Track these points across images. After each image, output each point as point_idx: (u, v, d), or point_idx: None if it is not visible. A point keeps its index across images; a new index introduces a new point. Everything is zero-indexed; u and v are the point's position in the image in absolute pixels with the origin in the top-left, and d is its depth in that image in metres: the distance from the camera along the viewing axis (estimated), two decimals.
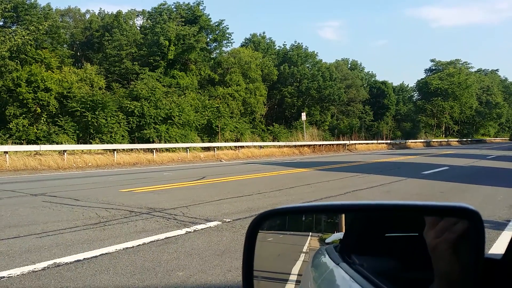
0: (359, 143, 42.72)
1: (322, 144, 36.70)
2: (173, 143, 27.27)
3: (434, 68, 72.27)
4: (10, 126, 25.03)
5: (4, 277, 3.41)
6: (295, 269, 1.46)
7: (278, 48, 62.56)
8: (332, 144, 38.02)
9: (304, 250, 1.51)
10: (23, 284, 3.25)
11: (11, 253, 4.15)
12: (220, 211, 6.43)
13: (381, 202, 1.09)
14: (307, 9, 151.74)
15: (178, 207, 6.72)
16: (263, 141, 35.70)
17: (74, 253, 4.10)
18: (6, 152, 17.28)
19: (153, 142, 26.64)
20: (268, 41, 62.49)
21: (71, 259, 3.89)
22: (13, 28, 33.83)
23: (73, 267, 3.68)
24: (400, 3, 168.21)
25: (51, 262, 3.80)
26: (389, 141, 48.95)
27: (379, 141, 47.25)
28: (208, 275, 3.49)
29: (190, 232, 5.05)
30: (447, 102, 62.55)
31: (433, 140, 57.00)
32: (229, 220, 5.74)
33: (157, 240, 4.62)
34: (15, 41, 28.83)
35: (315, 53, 61.51)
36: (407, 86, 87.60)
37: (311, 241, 1.52)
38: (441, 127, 64.93)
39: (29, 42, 31.29)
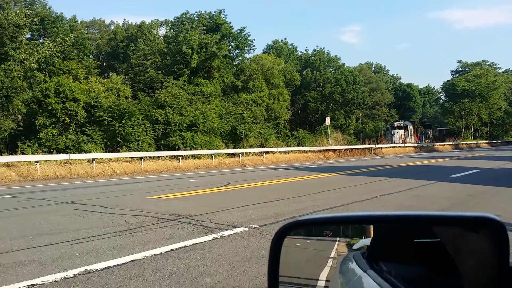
0: (386, 147, 42.09)
1: (348, 149, 36.34)
2: (198, 149, 27.53)
3: (460, 69, 70.77)
4: (40, 136, 25.73)
5: (37, 284, 3.49)
6: (323, 275, 1.46)
7: (300, 53, 62.56)
8: (358, 148, 37.60)
9: (332, 255, 1.51)
10: None
11: (44, 260, 4.24)
12: (246, 217, 6.45)
13: (405, 213, 1.08)
14: (328, 14, 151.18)
15: (204, 214, 6.78)
16: (288, 146, 35.59)
17: (104, 260, 4.17)
18: (36, 162, 17.78)
19: (178, 149, 26.94)
20: (290, 46, 62.55)
21: (101, 266, 3.96)
22: (40, 40, 34.89)
23: (104, 274, 3.75)
24: (422, 7, 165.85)
25: (82, 269, 3.87)
26: (416, 144, 48.05)
27: (406, 144, 46.42)
28: (236, 281, 3.51)
29: (217, 238, 5.08)
30: (474, 104, 61.06)
31: (462, 142, 55.60)
32: (255, 226, 5.75)
33: (184, 247, 4.67)
34: (42, 53, 29.64)
35: (338, 57, 61.19)
36: (433, 88, 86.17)
37: (338, 247, 1.51)
38: (470, 129, 63.36)
39: (57, 53, 32.17)
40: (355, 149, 37.18)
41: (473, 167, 16.73)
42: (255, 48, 73.90)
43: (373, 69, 75.46)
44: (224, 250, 4.53)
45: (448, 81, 68.12)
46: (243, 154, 27.69)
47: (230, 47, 49.79)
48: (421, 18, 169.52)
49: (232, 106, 39.26)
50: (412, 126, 52.50)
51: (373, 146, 39.76)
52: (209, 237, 5.11)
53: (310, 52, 61.02)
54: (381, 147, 40.92)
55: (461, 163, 19.92)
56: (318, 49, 60.33)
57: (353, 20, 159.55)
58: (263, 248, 4.55)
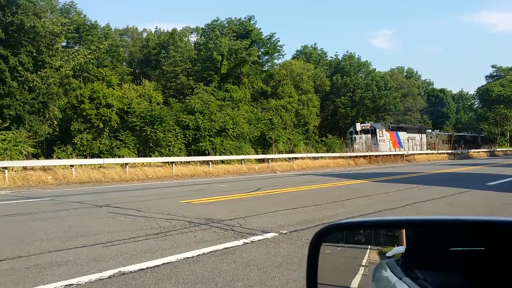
0: (418, 153, 41.27)
1: (379, 155, 35.78)
2: (227, 155, 27.71)
3: (495, 74, 68.72)
4: (75, 141, 26.46)
5: (73, 284, 3.57)
6: (355, 283, 1.44)
7: (330, 58, 62.22)
8: (389, 155, 36.97)
9: (363, 263, 1.49)
10: None
11: (79, 261, 4.35)
12: (276, 223, 6.44)
13: (457, 217, 1.06)
14: (358, 19, 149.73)
15: (235, 218, 6.81)
16: (317, 152, 35.29)
17: (137, 262, 4.25)
18: (72, 166, 18.31)
19: (208, 154, 27.18)
20: (320, 52, 62.33)
21: (135, 268, 4.02)
22: (75, 48, 35.95)
23: (137, 275, 3.81)
24: (455, 10, 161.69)
25: (116, 270, 3.95)
26: (450, 151, 46.76)
27: (440, 151, 45.27)
28: (267, 286, 3.51)
29: (248, 243, 5.10)
30: (510, 110, 59.09)
31: (498, 149, 53.83)
32: (286, 232, 5.74)
33: (216, 251, 4.70)
34: (78, 60, 30.52)
35: (368, 62, 60.59)
36: (467, 93, 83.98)
37: (370, 255, 1.50)
38: (506, 135, 61.35)
39: (91, 61, 33.10)
40: (387, 155, 36.59)
41: (510, 175, 16.18)
42: (285, 54, 74.14)
43: (404, 74, 74.26)
44: (255, 255, 4.54)
45: (482, 86, 66.26)
46: (272, 159, 27.69)
47: (260, 53, 50.03)
48: (454, 21, 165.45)
49: (261, 112, 39.36)
50: (383, 130, 41.53)
51: (405, 152, 39.07)
52: (240, 242, 5.13)
53: (340, 57, 60.62)
54: (414, 154, 40.19)
55: (497, 171, 19.30)
56: (348, 54, 59.88)
57: (384, 24, 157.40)
58: (294, 254, 4.54)
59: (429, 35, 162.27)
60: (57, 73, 28.31)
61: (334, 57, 61.56)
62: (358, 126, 41.59)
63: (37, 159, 22.11)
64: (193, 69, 44.50)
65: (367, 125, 41.62)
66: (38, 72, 27.35)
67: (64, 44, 35.18)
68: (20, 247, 5.04)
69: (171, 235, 5.63)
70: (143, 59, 49.22)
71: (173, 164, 21.69)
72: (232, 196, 10.92)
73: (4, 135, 22.48)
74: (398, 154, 37.77)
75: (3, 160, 19.58)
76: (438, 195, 9.93)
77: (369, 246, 1.50)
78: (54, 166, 18.48)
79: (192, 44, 51.09)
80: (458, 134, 59.65)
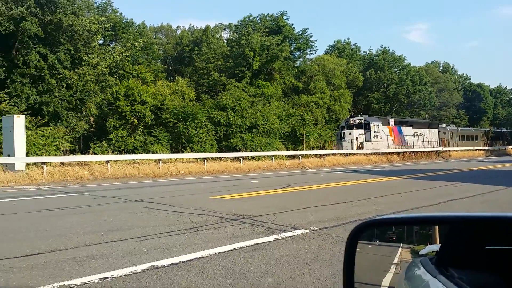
0: (453, 150, 40.16)
1: (412, 151, 35.03)
2: (258, 151, 27.78)
3: None
4: (111, 137, 27.11)
5: (108, 277, 3.66)
6: (386, 281, 1.44)
7: (363, 53, 61.30)
8: (423, 151, 36.14)
9: (396, 261, 1.48)
10: (125, 285, 3.45)
11: (114, 255, 4.46)
12: (306, 219, 6.43)
13: (490, 214, 1.04)
14: (392, 13, 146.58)
15: (265, 215, 6.84)
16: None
17: (170, 256, 4.33)
18: (107, 161, 18.79)
19: (239, 150, 27.34)
20: (353, 47, 61.47)
21: (168, 262, 4.10)
22: (111, 46, 36.78)
23: (170, 269, 3.88)
24: (492, 3, 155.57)
25: (150, 264, 4.03)
26: (487, 148, 45.20)
27: (476, 148, 43.85)
28: (297, 283, 3.51)
29: (278, 239, 5.12)
30: None
31: None
32: (316, 228, 5.72)
33: (246, 246, 4.74)
34: (114, 58, 31.21)
35: (403, 57, 59.34)
36: (505, 88, 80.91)
37: (402, 253, 1.48)
38: None
39: (126, 58, 33.79)
40: (421, 152, 35.80)
41: None
42: (317, 49, 73.54)
43: (440, 68, 72.24)
44: (285, 251, 4.54)
45: None
46: (303, 156, 27.57)
47: (292, 48, 49.81)
48: (492, 14, 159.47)
49: (292, 108, 39.21)
50: (379, 124, 35.86)
51: (440, 149, 38.09)
52: (270, 238, 5.15)
53: (373, 51, 59.62)
54: (449, 150, 39.15)
55: None
56: (382, 48, 58.80)
57: (419, 18, 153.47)
58: (325, 251, 4.52)
59: (465, 29, 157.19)
60: (94, 70, 29.05)
61: (368, 51, 60.60)
62: (352, 120, 36.53)
63: (74, 154, 22.82)
64: (225, 65, 44.76)
65: (360, 118, 36.35)
66: (76, 70, 28.14)
67: (100, 42, 36.05)
68: (58, 240, 5.22)
69: (203, 230, 5.71)
70: (177, 56, 49.86)
71: (205, 160, 21.95)
72: (263, 192, 10.96)
73: (43, 131, 23.29)
74: (432, 151, 36.86)
75: (41, 155, 20.32)
76: (473, 193, 9.66)
77: (401, 244, 1.49)
78: (91, 161, 19.02)
79: (225, 41, 51.37)
80: (496, 130, 57.25)
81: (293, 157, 27.76)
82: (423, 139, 40.19)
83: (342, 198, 9.10)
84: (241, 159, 23.69)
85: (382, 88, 54.82)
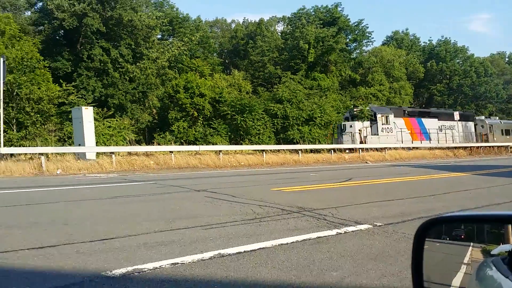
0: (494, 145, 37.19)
1: (480, 146, 33.26)
2: (316, 144, 27.59)
3: None
4: (173, 128, 28.04)
5: (178, 263, 3.80)
6: (456, 281, 1.41)
7: (423, 44, 59.08)
8: (493, 146, 34.19)
9: (466, 261, 1.44)
10: (194, 271, 3.57)
11: (182, 242, 4.62)
12: (369, 214, 6.33)
13: None
14: (453, 2, 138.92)
15: (326, 208, 6.80)
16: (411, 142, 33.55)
17: (235, 245, 4.42)
18: (171, 152, 19.46)
19: (297, 143, 27.30)
20: (412, 37, 59.42)
21: (233, 251, 4.19)
22: (169, 40, 37.88)
23: (235, 258, 3.97)
24: None
25: (216, 252, 4.14)
26: None
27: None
28: (363, 278, 3.49)
29: (341, 233, 5.08)
30: None
31: None
32: (380, 224, 5.62)
33: (309, 239, 4.75)
34: (172, 52, 32.15)
35: (466, 47, 56.39)
36: None
37: (472, 252, 1.44)
38: None
39: (184, 52, 34.71)
40: (490, 147, 33.93)
41: None
42: (374, 40, 71.56)
43: (506, 59, 67.95)
44: (349, 246, 4.51)
45: None
46: (363, 149, 27.03)
47: (348, 40, 48.89)
48: None
49: (350, 100, 38.53)
50: (390, 115, 31.06)
51: (511, 144, 35.75)
52: (333, 232, 5.13)
53: (434, 42, 57.15)
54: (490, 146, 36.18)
55: None
56: (443, 39, 56.23)
57: (481, 8, 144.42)
58: (390, 247, 4.45)
59: None
60: (154, 64, 30.13)
61: (428, 42, 58.26)
62: (356, 110, 31.27)
63: (139, 145, 23.83)
64: (280, 58, 44.74)
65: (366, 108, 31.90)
66: (137, 64, 29.29)
67: (159, 36, 37.30)
68: (130, 226, 5.49)
69: (265, 221, 5.79)
70: (232, 49, 50.47)
71: (264, 152, 22.13)
72: (323, 185, 10.90)
73: (109, 122, 24.52)
74: (502, 146, 34.76)
75: (109, 145, 21.41)
76: None
77: (471, 243, 1.46)
78: (156, 152, 19.79)
79: (279, 34, 51.33)
80: None
81: (353, 150, 27.29)
82: (453, 133, 35.35)
83: (407, 193, 8.86)
84: (300, 151, 23.63)
85: (444, 80, 52.50)
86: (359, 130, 29.63)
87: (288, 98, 30.53)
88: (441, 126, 34.35)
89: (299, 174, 15.05)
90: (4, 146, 17.72)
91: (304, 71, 41.79)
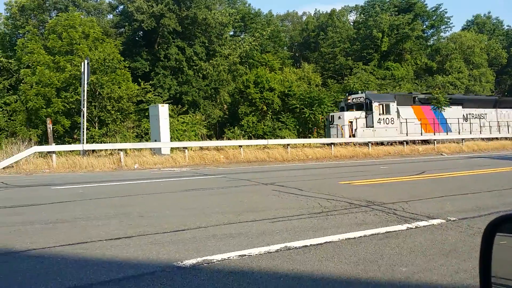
0: None
1: None
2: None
3: None
4: (242, 123, 28.57)
5: (245, 255, 3.91)
6: None
7: (506, 28, 54.75)
8: None
9: None
10: (260, 263, 3.65)
11: (250, 234, 4.74)
12: (442, 209, 6.06)
13: None
14: None
15: (397, 202, 6.62)
16: (490, 132, 30.91)
17: (301, 239, 4.45)
18: (240, 146, 19.86)
19: None
20: (495, 21, 55.42)
21: (299, 244, 4.23)
22: (241, 36, 38.47)
23: (302, 251, 4.00)
24: None
25: (282, 245, 4.19)
26: None
27: None
28: (434, 274, 3.38)
29: (411, 228, 4.93)
30: None
31: None
32: (454, 219, 5.37)
33: (377, 234, 4.67)
34: (243, 47, 32.63)
35: None
36: None
37: None
38: None
39: (255, 47, 35.08)
40: None
41: None
42: (453, 26, 67.32)
43: None
44: (419, 241, 4.37)
45: None
46: (438, 141, 25.76)
47: (424, 26, 46.67)
48: None
49: (426, 90, 36.84)
50: (388, 104, 26.47)
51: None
52: (403, 227, 4.99)
53: None
54: None
55: None
56: None
57: None
58: (464, 243, 4.25)
59: None
60: (226, 60, 30.78)
61: None
62: (350, 99, 27.02)
63: (210, 140, 24.57)
64: (351, 48, 43.85)
65: (360, 96, 26.85)
66: (210, 61, 30.10)
67: (231, 33, 37.98)
68: (200, 218, 5.73)
69: (332, 215, 5.76)
70: (303, 42, 50.17)
71: (332, 145, 21.85)
72: (393, 178, 10.58)
73: (183, 119, 25.54)
74: None
75: (183, 141, 22.30)
76: None
77: None
78: (225, 146, 20.30)
79: (351, 24, 50.25)
80: None
81: (427, 142, 26.09)
82: (483, 122, 30.39)
83: (484, 186, 8.35)
84: (370, 144, 23.03)
85: None
86: (349, 121, 25.55)
87: (359, 89, 29.85)
88: (467, 114, 29.90)
89: (369, 167, 14.69)
90: (87, 142, 19.12)
91: (376, 61, 40.69)
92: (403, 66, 41.00)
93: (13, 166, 15.85)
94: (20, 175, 14.32)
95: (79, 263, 3.75)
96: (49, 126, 19.21)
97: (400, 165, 15.74)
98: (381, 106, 26.09)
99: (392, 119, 26.29)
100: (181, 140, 22.77)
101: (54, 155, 16.42)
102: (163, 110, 19.93)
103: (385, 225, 5.07)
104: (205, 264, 3.63)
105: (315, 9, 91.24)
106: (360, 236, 4.55)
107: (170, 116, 22.35)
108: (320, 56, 45.15)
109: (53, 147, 17.05)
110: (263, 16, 44.11)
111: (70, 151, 18.15)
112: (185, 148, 18.77)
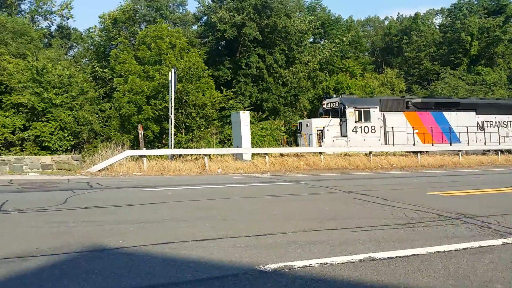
0: None
1: None
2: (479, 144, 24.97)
3: None
4: None
5: (327, 263, 3.86)
6: None
7: None
8: None
9: None
10: (343, 272, 3.60)
11: (331, 242, 4.67)
12: None
13: None
14: None
15: (491, 215, 6.17)
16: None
17: (386, 250, 4.31)
18: (321, 153, 19.71)
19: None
20: None
21: (384, 255, 4.09)
22: (321, 43, 38.23)
23: (387, 263, 3.87)
24: None
25: (366, 255, 4.09)
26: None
27: None
28: None
29: (508, 243, 4.58)
30: None
31: None
32: None
33: (470, 248, 4.40)
34: (323, 54, 32.40)
35: None
36: None
37: None
38: None
39: (335, 53, 34.68)
40: None
41: None
42: None
43: None
44: None
45: None
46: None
47: None
48: None
49: None
50: (372, 109, 23.53)
51: None
52: (498, 241, 4.65)
53: None
54: None
55: None
56: None
57: None
58: None
59: None
60: (305, 67, 30.77)
61: None
62: (326, 103, 24.34)
63: (290, 146, 24.62)
64: (438, 52, 41.87)
65: (335, 100, 23.99)
66: (290, 68, 30.28)
67: (311, 40, 37.91)
68: (281, 223, 5.77)
69: (420, 227, 5.51)
70: (385, 47, 48.74)
71: (418, 154, 20.89)
72: (487, 190, 9.87)
73: (262, 125, 25.94)
74: None
75: (263, 147, 22.61)
76: None
77: None
78: (306, 153, 20.26)
79: (437, 27, 48.04)
80: None
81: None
82: (505, 131, 25.67)
83: None
84: (460, 152, 21.67)
85: None
86: (318, 130, 23.01)
87: (447, 95, 28.26)
88: (483, 121, 25.69)
89: (459, 178, 13.83)
90: (174, 147, 20.11)
91: (465, 66, 38.49)
92: (495, 71, 38.34)
93: (108, 168, 17.09)
94: (114, 177, 15.37)
95: (166, 262, 3.94)
96: (140, 131, 20.47)
97: (495, 175, 14.69)
98: (357, 112, 23.27)
99: (373, 127, 23.39)
100: (261, 146, 23.07)
101: (144, 159, 17.48)
102: (244, 116, 20.39)
103: (478, 239, 4.77)
104: (286, 270, 3.64)
105: (398, 13, 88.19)
106: (451, 250, 4.32)
107: (251, 122, 22.78)
108: (404, 61, 43.58)
109: (144, 151, 18.15)
110: (343, 22, 43.50)
111: (159, 155, 19.20)
112: (266, 154, 19.01)
